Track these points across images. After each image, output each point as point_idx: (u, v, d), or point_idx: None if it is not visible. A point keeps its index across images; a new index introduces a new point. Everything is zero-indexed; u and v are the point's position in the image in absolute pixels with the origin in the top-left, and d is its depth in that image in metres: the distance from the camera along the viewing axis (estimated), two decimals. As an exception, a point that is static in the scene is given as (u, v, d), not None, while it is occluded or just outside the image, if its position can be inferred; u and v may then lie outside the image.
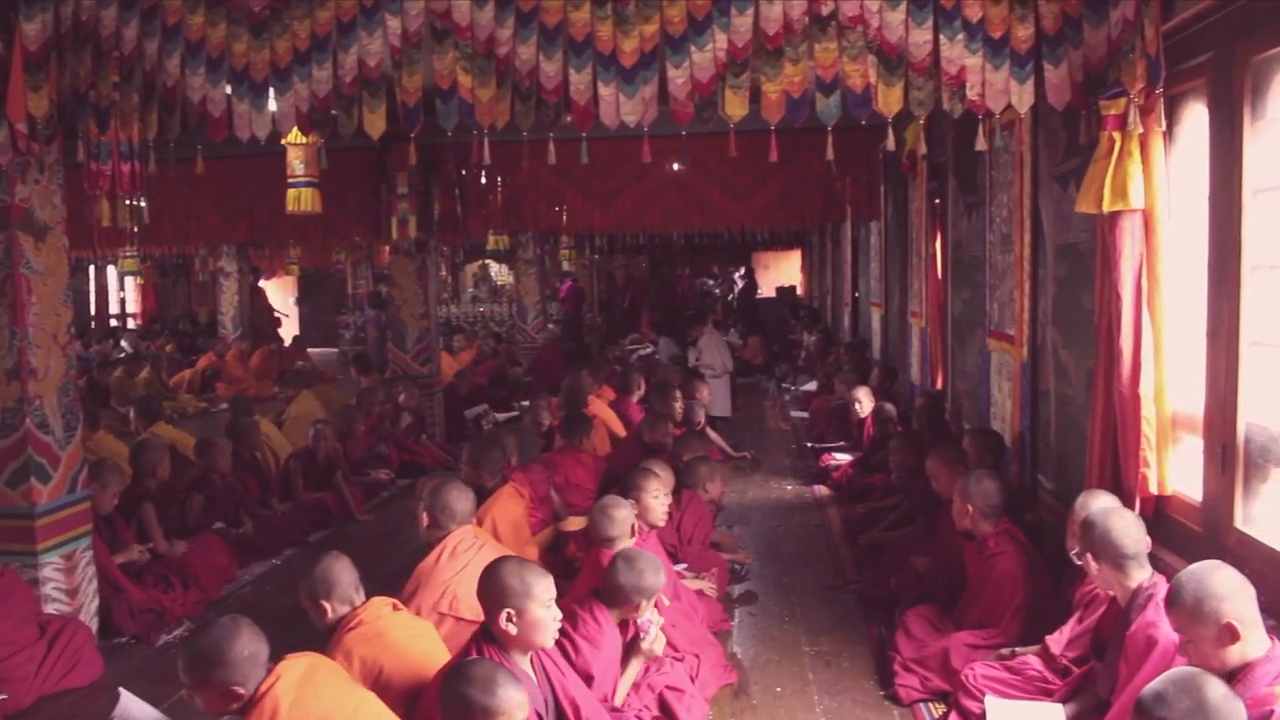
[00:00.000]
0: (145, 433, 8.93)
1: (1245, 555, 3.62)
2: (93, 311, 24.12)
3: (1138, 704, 2.62)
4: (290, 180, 8.02)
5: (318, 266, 23.81)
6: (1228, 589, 2.98)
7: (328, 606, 3.82)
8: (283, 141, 7.54)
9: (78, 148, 5.13)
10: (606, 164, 10.37)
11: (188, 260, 21.45)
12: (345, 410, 9.94)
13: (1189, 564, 3.25)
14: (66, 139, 5.42)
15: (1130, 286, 4.18)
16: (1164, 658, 3.39)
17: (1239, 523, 3.75)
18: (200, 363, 17.31)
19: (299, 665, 3.27)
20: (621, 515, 4.98)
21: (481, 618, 3.66)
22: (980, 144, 4.88)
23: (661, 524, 5.67)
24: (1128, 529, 3.76)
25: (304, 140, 7.58)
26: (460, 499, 4.90)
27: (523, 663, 3.59)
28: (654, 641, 4.33)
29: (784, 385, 15.76)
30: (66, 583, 5.53)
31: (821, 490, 8.89)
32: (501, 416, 12.96)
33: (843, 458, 9.31)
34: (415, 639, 3.89)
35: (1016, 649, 4.49)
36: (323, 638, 3.81)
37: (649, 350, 16.87)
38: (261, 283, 21.36)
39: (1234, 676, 2.89)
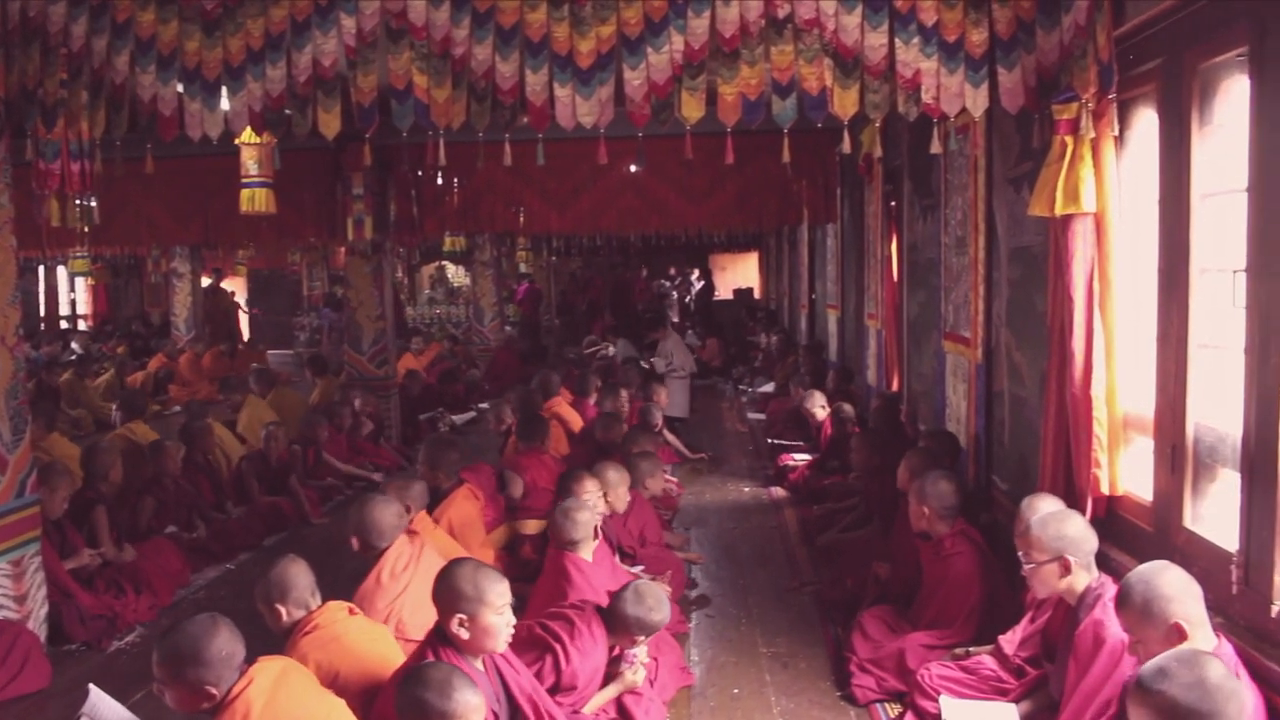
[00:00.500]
0: (123, 428, 8.86)
1: (1194, 554, 3.68)
2: (42, 313, 23.70)
3: (1138, 680, 2.59)
4: (244, 180, 7.89)
5: (271, 268, 23.55)
6: (1175, 589, 3.03)
7: (283, 610, 3.77)
8: (236, 141, 7.45)
9: (26, 146, 5.04)
10: (563, 166, 10.29)
11: (140, 261, 21.14)
12: (309, 416, 9.82)
13: (1140, 563, 3.30)
14: (14, 137, 5.32)
15: (1082, 289, 4.23)
16: (1112, 656, 3.42)
17: (1188, 522, 3.81)
18: (151, 364, 17.04)
19: (272, 668, 3.24)
20: (584, 518, 5.00)
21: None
22: (935, 147, 4.93)
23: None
24: (1079, 530, 3.81)
25: (258, 140, 7.51)
26: (385, 513, 4.66)
27: (475, 661, 3.58)
28: (636, 674, 4.38)
29: (741, 387, 15.76)
30: (14, 589, 5.41)
31: (778, 492, 8.91)
32: (458, 418, 12.90)
33: (802, 457, 9.35)
34: (372, 643, 3.86)
35: (971, 649, 4.53)
36: (278, 642, 3.76)
37: (610, 351, 16.85)
38: (224, 283, 21.07)
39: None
